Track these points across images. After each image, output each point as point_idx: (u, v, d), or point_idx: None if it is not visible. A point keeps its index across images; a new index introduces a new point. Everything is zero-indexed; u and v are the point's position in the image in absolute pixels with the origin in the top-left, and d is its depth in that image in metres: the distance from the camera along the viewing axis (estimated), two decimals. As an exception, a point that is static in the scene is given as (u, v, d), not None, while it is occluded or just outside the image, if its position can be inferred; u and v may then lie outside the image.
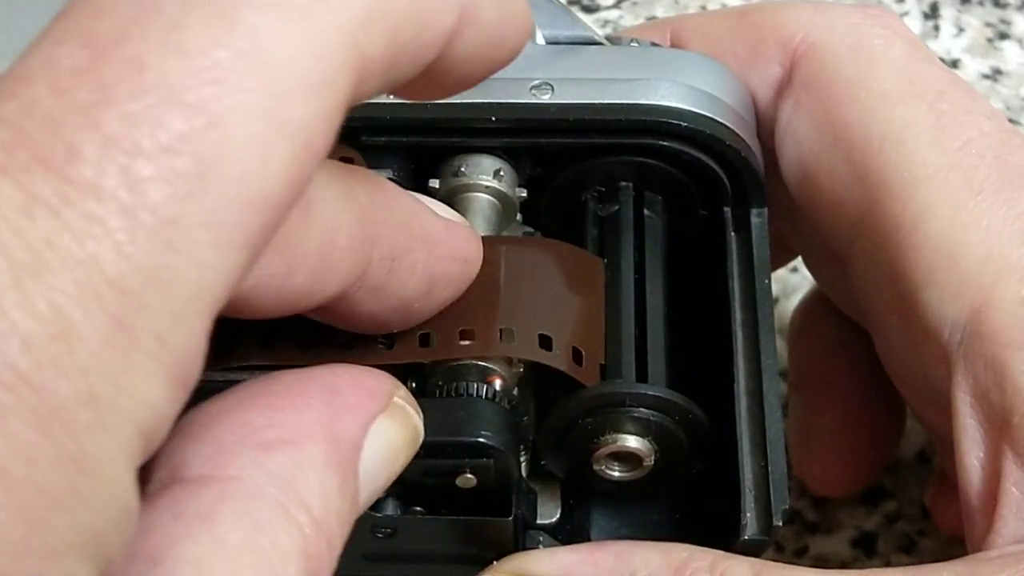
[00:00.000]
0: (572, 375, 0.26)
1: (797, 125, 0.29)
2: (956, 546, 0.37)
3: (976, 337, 0.26)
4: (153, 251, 0.16)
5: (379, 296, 0.23)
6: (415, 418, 0.23)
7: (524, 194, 0.29)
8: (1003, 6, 0.50)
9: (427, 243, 0.23)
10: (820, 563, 0.38)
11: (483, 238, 0.25)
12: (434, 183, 0.28)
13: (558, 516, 0.28)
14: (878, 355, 0.31)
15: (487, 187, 0.28)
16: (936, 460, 0.38)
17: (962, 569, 0.25)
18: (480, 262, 0.24)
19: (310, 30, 0.17)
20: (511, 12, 0.21)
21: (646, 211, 0.29)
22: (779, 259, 0.36)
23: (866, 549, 0.38)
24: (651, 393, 0.26)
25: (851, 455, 0.36)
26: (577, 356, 0.26)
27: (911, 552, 0.38)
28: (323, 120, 0.18)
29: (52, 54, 0.17)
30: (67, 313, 0.16)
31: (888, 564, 0.38)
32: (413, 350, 0.25)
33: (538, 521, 0.28)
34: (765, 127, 0.30)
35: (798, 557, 0.38)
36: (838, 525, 0.38)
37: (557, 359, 0.25)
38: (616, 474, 0.27)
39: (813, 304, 0.37)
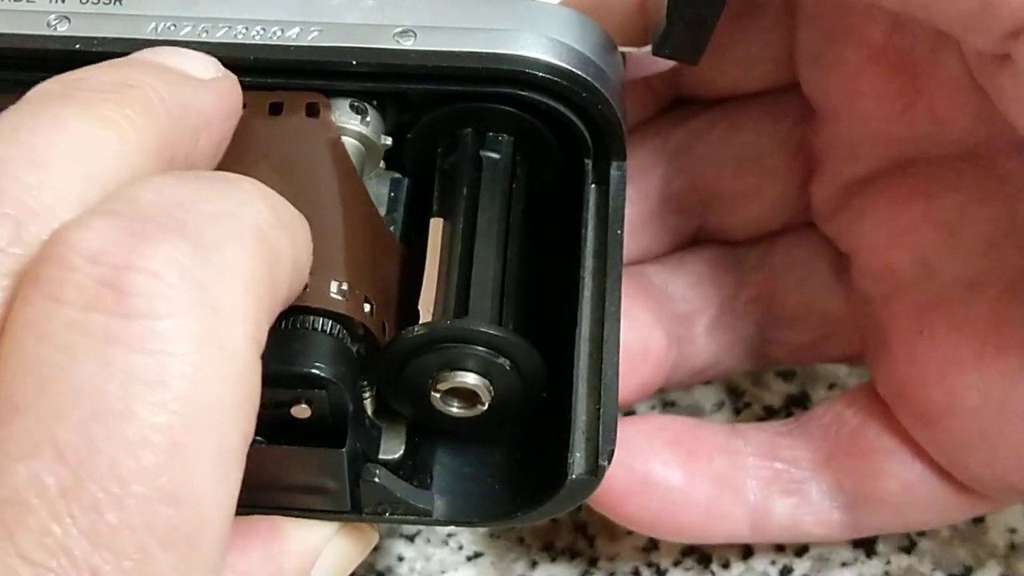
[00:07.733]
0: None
1: None
2: (956, 547, 0.36)
3: None
4: None
5: None
6: (369, 531, 0.28)
7: (389, 142, 0.29)
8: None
9: None
10: (820, 563, 0.37)
11: None
12: None
13: (401, 452, 0.28)
14: None
15: (353, 131, 0.29)
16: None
17: None
18: None
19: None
20: None
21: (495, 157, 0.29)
22: None
23: (866, 549, 0.37)
24: (492, 332, 0.27)
25: None
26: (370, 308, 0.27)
27: (911, 552, 0.37)
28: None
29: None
30: None
31: (888, 564, 0.37)
32: None
33: (381, 456, 0.28)
34: None
35: (798, 557, 0.37)
36: (839, 524, 0.37)
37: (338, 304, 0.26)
38: (455, 411, 0.28)
39: None
